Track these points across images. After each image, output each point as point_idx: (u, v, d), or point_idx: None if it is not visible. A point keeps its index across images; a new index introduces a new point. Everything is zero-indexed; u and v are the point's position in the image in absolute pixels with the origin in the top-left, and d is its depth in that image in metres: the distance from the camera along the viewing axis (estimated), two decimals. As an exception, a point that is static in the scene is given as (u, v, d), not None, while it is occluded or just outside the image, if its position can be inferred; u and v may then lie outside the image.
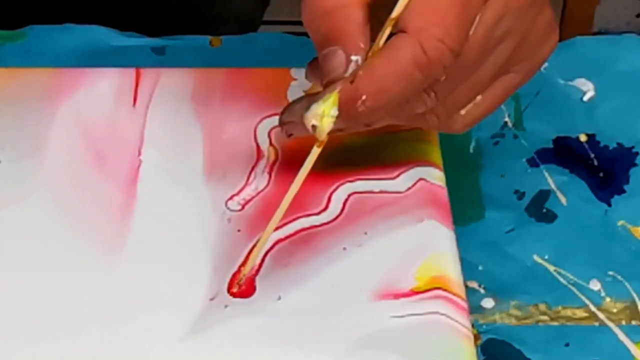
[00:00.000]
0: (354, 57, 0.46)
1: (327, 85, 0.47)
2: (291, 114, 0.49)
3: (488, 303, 0.55)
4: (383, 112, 0.47)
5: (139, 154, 0.55)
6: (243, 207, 0.52)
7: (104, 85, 0.57)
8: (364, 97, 0.46)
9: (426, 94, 0.48)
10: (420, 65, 0.45)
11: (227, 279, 0.49)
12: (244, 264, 0.50)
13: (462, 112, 0.50)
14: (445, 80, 0.47)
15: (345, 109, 0.46)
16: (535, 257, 0.56)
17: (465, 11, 0.46)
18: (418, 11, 0.46)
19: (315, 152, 0.48)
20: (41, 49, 0.65)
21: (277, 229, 0.50)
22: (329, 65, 0.47)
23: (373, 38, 0.47)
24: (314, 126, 0.47)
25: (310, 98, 0.48)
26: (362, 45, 0.46)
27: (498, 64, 0.49)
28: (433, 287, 0.49)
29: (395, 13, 0.46)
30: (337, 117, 0.47)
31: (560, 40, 0.64)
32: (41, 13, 0.71)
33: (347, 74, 0.46)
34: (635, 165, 0.60)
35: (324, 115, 0.47)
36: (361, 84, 0.46)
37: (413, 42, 0.45)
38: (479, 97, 0.50)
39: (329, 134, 0.47)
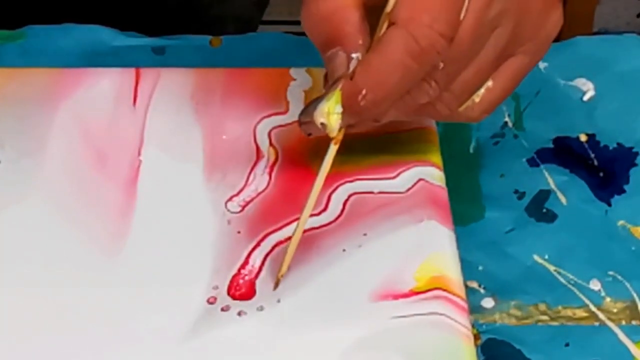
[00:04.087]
0: (354, 55, 0.48)
1: (332, 84, 0.48)
2: (306, 114, 0.50)
3: (488, 303, 0.55)
4: (386, 105, 0.48)
5: (139, 154, 0.55)
6: (243, 209, 0.52)
7: (104, 85, 0.57)
8: (364, 92, 0.47)
9: (427, 84, 0.48)
10: (413, 54, 0.46)
11: (227, 281, 0.49)
12: (243, 265, 0.50)
13: (477, 99, 0.51)
14: (444, 67, 0.48)
15: (348, 105, 0.48)
16: (535, 257, 0.56)
17: None
18: (406, 2, 0.47)
19: (332, 149, 0.49)
20: (41, 49, 0.65)
21: (276, 230, 0.50)
22: (332, 66, 0.48)
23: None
24: (322, 124, 0.48)
25: (320, 98, 0.49)
26: (360, 42, 0.48)
27: (499, 46, 0.49)
28: (433, 287, 0.49)
29: (389, 7, 0.47)
30: (343, 113, 0.48)
31: (560, 40, 0.65)
32: (41, 13, 0.71)
33: (350, 72, 0.47)
34: (635, 165, 0.60)
35: (330, 113, 0.48)
36: (359, 79, 0.47)
37: (403, 32, 0.46)
38: (490, 82, 0.51)
39: (342, 130, 0.49)
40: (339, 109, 0.48)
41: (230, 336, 0.47)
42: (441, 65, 0.47)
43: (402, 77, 0.47)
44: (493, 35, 0.49)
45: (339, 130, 0.49)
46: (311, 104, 0.49)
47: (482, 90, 0.51)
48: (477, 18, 0.48)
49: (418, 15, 0.46)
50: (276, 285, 0.49)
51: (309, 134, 0.51)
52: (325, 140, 0.51)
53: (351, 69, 0.47)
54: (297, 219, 0.49)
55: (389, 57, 0.46)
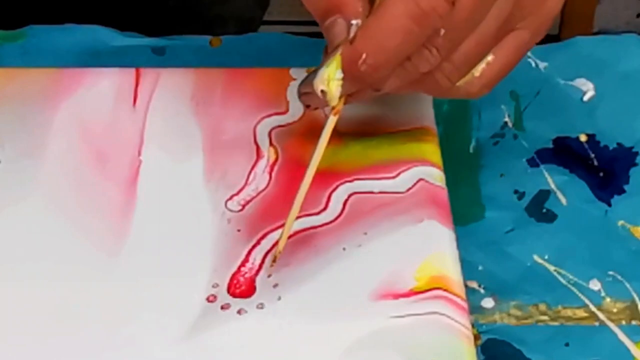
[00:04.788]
0: (353, 22, 0.47)
1: (332, 51, 0.48)
2: (306, 84, 0.50)
3: (488, 303, 0.55)
4: (386, 70, 0.47)
5: (139, 154, 0.55)
6: (243, 208, 0.52)
7: (104, 85, 0.57)
8: (364, 56, 0.46)
9: (427, 50, 0.48)
10: (414, 17, 0.46)
11: (227, 279, 0.49)
12: (243, 263, 0.50)
13: (476, 73, 0.50)
14: (445, 34, 0.47)
15: (348, 70, 0.47)
16: (535, 257, 0.56)
17: None
18: None
19: (332, 120, 0.49)
20: (41, 49, 0.65)
21: (276, 228, 0.51)
22: (332, 34, 0.48)
23: None
24: (323, 92, 0.48)
25: (320, 66, 0.48)
26: (360, 9, 0.47)
27: (501, 18, 0.49)
28: (433, 287, 0.49)
29: None
30: (343, 79, 0.47)
31: (560, 40, 0.65)
32: (41, 13, 0.71)
33: (350, 37, 0.47)
34: (635, 165, 0.60)
35: (330, 79, 0.48)
36: (360, 43, 0.47)
37: None
38: (490, 57, 0.50)
39: (342, 100, 0.48)
40: (340, 74, 0.47)
41: (230, 334, 0.47)
42: (442, 31, 0.47)
43: (402, 41, 0.46)
44: (495, 5, 0.48)
45: (339, 98, 0.48)
46: (311, 74, 0.49)
47: (483, 65, 0.50)
48: None
49: None
50: (274, 261, 0.49)
51: (308, 106, 0.51)
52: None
53: (351, 35, 0.47)
54: (297, 217, 0.49)
55: (390, 20, 0.46)
